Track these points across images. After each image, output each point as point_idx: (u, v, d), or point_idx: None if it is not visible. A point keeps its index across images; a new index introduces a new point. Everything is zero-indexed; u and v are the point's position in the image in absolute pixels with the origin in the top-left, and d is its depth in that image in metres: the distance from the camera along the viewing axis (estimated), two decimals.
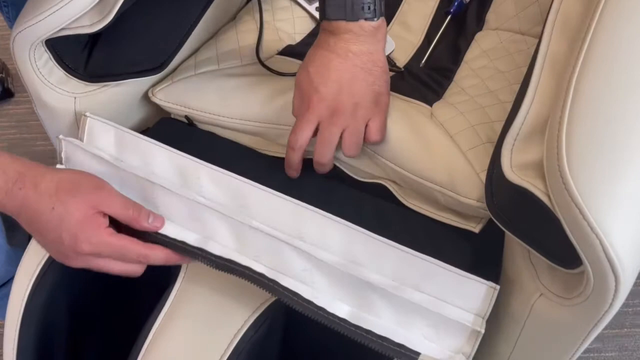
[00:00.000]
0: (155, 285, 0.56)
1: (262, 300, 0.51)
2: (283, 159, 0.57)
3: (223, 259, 0.49)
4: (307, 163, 0.56)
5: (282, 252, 0.48)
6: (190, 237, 0.51)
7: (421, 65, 0.66)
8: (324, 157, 0.54)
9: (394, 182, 0.58)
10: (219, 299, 0.51)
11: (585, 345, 0.45)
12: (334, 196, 0.55)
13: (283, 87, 0.59)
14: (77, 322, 0.61)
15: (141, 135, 0.57)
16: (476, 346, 0.43)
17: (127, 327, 0.55)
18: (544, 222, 0.40)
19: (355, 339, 0.44)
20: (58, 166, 0.57)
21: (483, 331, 0.42)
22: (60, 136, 0.56)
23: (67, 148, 0.56)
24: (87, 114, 0.59)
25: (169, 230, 0.51)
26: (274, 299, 0.51)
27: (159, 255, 0.51)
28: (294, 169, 0.55)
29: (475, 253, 0.50)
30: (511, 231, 0.45)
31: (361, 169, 0.58)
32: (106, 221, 0.49)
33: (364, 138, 0.53)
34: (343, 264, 0.47)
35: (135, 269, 0.51)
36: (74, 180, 0.50)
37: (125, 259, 0.51)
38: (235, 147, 0.60)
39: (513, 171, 0.41)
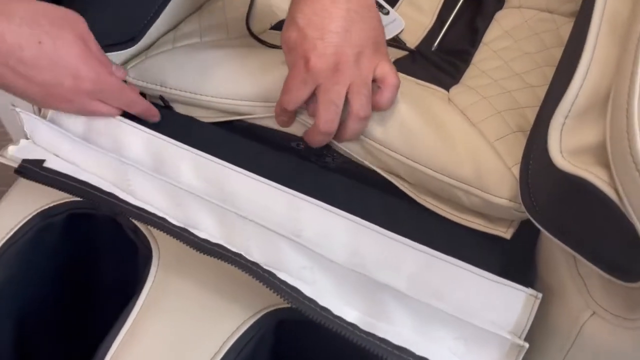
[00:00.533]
0: (118, 292, 0.48)
1: (245, 316, 0.42)
2: (274, 149, 0.50)
3: (210, 242, 0.42)
4: (300, 154, 0.49)
5: (277, 246, 0.41)
6: (174, 221, 0.44)
7: (433, 48, 0.58)
8: (329, 124, 0.46)
9: (403, 179, 0.49)
10: (191, 318, 0.44)
11: None
12: (333, 189, 0.47)
13: (277, 59, 0.50)
14: (26, 332, 0.52)
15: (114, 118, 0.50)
16: None
17: (85, 343, 0.46)
18: (603, 222, 0.33)
19: (368, 348, 0.37)
20: (23, 141, 0.50)
21: (527, 346, 0.35)
22: (17, 109, 0.49)
23: (28, 122, 0.50)
24: None
25: (151, 209, 0.45)
26: (261, 314, 0.42)
27: (142, 105, 0.51)
28: None
29: (506, 261, 0.42)
30: (554, 234, 0.37)
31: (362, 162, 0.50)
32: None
33: (377, 94, 0.46)
34: (350, 262, 0.39)
35: (116, 113, 0.50)
36: (54, 10, 0.44)
37: (116, 102, 0.49)
38: (219, 133, 0.52)
39: (564, 157, 0.33)
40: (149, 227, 0.48)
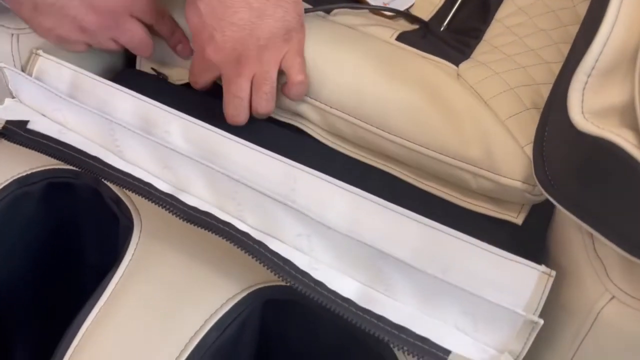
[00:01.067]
0: (99, 265, 0.46)
1: (229, 294, 0.39)
2: (271, 122, 0.48)
3: (198, 210, 0.39)
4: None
5: (271, 211, 0.38)
6: (161, 185, 0.42)
7: (442, 28, 0.55)
8: (235, 118, 0.45)
9: (403, 164, 0.46)
10: (173, 292, 0.40)
11: None
12: (333, 165, 0.43)
13: None
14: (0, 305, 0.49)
15: (102, 79, 0.47)
16: (529, 343, 0.33)
17: (64, 319, 0.43)
18: (629, 192, 0.29)
19: (363, 326, 0.34)
20: (7, 100, 0.48)
21: (542, 322, 0.32)
22: (1, 64, 0.47)
23: (13, 79, 0.47)
24: (39, 51, 0.50)
25: (138, 172, 0.43)
26: (246, 292, 0.38)
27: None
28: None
29: (517, 243, 0.40)
30: (572, 211, 0.34)
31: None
32: None
33: (284, 87, 0.45)
34: (349, 231, 0.36)
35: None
36: None
37: (148, 14, 0.48)
38: (214, 104, 0.49)
39: (586, 118, 0.30)
40: (131, 198, 0.45)
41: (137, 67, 0.55)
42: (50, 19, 0.44)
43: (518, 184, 0.42)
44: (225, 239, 0.38)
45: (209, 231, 0.39)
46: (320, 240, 0.37)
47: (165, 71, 0.54)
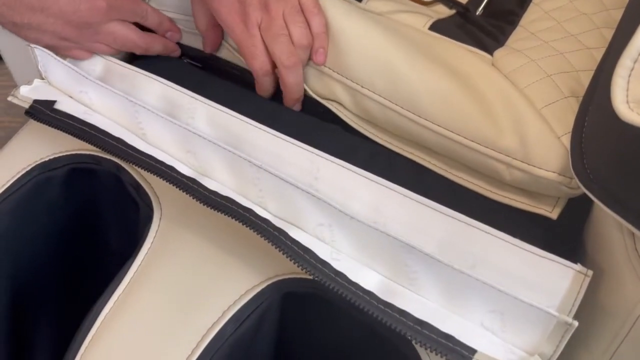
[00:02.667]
0: (119, 252, 0.46)
1: (248, 285, 0.38)
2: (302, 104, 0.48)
3: (219, 195, 0.39)
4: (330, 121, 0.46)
5: (293, 199, 0.37)
6: (183, 169, 0.42)
7: (478, 12, 0.53)
8: (291, 56, 0.45)
9: (430, 151, 0.44)
10: (191, 281, 0.40)
11: None
12: (356, 152, 0.42)
13: None
14: (21, 290, 0.50)
15: (131, 66, 0.48)
16: (562, 346, 0.31)
17: (84, 305, 0.43)
18: None
19: (384, 321, 0.33)
20: (36, 81, 0.49)
21: (576, 324, 0.30)
22: (32, 45, 0.47)
23: (43, 60, 0.48)
24: None
25: (160, 155, 0.43)
26: (265, 284, 0.38)
27: (158, 17, 0.50)
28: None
29: (551, 239, 0.38)
30: (612, 207, 0.32)
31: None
32: None
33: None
34: (375, 221, 0.35)
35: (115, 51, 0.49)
36: None
37: (131, 15, 0.49)
38: (236, 90, 0.48)
39: (631, 108, 0.28)
40: (151, 184, 0.45)
41: None
42: (32, 33, 0.46)
43: (554, 176, 0.40)
44: (245, 225, 0.38)
45: (228, 216, 0.38)
46: (342, 230, 0.36)
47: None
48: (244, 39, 0.45)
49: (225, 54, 0.52)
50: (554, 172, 0.40)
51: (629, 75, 0.29)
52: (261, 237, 0.37)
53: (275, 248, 0.36)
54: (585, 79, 0.42)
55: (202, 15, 0.49)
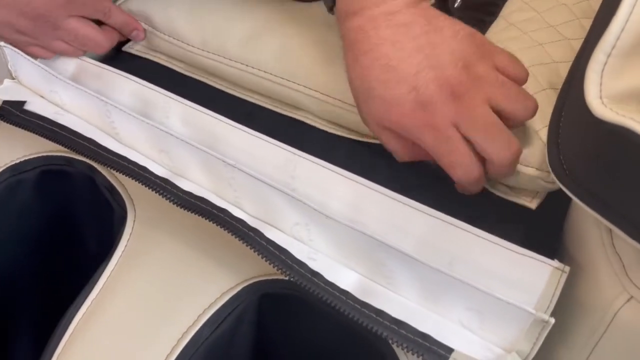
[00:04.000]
0: (94, 255, 0.45)
1: (223, 288, 0.38)
2: (271, 111, 0.47)
3: (193, 195, 0.39)
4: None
5: (269, 199, 0.37)
6: (156, 169, 0.42)
7: (456, 5, 0.52)
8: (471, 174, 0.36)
9: None
10: (166, 284, 0.40)
11: None
12: (336, 151, 0.42)
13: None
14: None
15: (104, 65, 0.48)
16: (539, 344, 0.31)
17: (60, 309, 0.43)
18: None
19: (360, 321, 0.33)
20: (7, 81, 0.49)
21: (553, 321, 0.31)
22: (1, 43, 0.47)
23: (13, 59, 0.48)
24: None
25: (133, 155, 0.43)
26: (241, 286, 0.37)
27: (121, 14, 0.49)
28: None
29: (530, 233, 0.38)
30: (589, 204, 0.32)
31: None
32: None
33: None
34: (350, 220, 0.35)
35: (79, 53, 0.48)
36: None
37: (92, 11, 0.47)
38: (211, 89, 0.48)
39: (604, 104, 0.27)
40: (125, 186, 0.44)
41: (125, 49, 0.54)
42: None
43: (532, 171, 0.40)
44: (218, 226, 0.37)
45: (202, 217, 0.38)
46: (319, 229, 0.36)
47: (155, 57, 0.53)
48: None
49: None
50: (532, 167, 0.39)
51: (602, 70, 0.29)
52: (235, 237, 0.37)
53: (250, 248, 0.36)
54: (564, 71, 0.41)
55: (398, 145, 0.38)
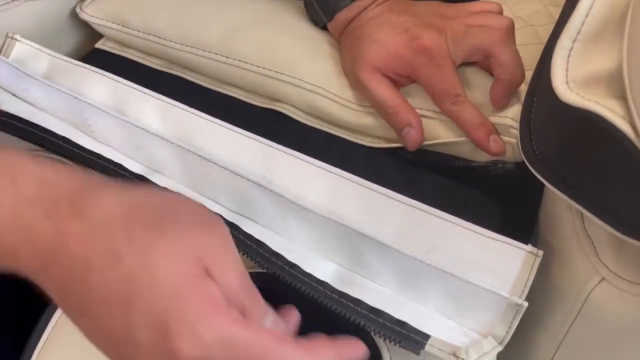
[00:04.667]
0: None
1: None
2: (248, 104, 0.47)
3: (170, 191, 0.39)
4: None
5: (246, 192, 0.37)
6: (133, 166, 0.41)
7: None
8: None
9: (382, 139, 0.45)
10: None
11: None
12: (311, 143, 0.42)
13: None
14: None
15: (78, 62, 0.47)
16: (513, 327, 0.32)
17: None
18: (616, 167, 0.28)
19: (339, 311, 0.33)
20: None
21: (526, 305, 0.31)
22: None
23: None
24: (16, 36, 0.50)
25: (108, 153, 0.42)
26: None
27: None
28: None
29: (505, 218, 0.39)
30: (560, 188, 0.32)
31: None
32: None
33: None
34: (328, 211, 0.36)
35: None
36: (162, 205, 0.28)
37: None
38: (185, 83, 0.48)
39: (570, 88, 0.28)
40: None
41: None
42: None
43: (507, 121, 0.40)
44: None
45: None
46: (297, 222, 0.37)
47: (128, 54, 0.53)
48: None
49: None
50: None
51: (568, 56, 0.30)
52: None
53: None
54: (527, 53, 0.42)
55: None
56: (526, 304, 0.31)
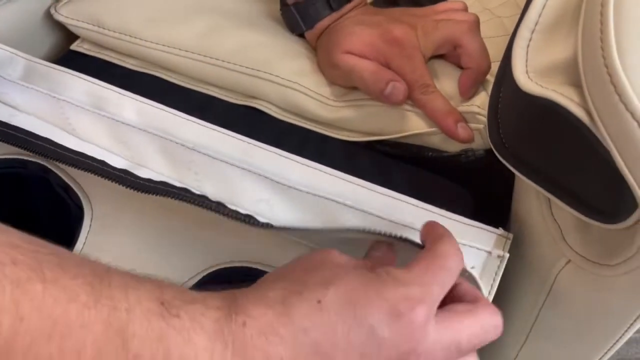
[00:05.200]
0: None
1: (183, 279, 0.39)
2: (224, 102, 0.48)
3: (153, 181, 0.39)
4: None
5: (229, 177, 0.38)
6: (117, 162, 0.42)
7: None
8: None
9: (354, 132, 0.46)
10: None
11: (632, 332, 0.32)
12: (288, 139, 0.43)
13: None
14: None
15: (55, 65, 0.47)
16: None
17: None
18: (575, 152, 0.29)
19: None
20: None
21: (507, 255, 0.33)
22: None
23: None
24: None
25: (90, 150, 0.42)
26: (200, 275, 0.38)
27: None
28: None
29: (477, 205, 0.41)
30: (525, 174, 0.34)
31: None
32: None
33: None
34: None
35: None
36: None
37: None
38: (163, 83, 0.48)
39: (530, 78, 0.29)
40: (80, 184, 0.44)
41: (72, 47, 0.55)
42: None
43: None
44: (182, 201, 0.37)
45: (164, 196, 0.38)
46: (282, 205, 0.38)
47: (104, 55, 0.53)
48: None
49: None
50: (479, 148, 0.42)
51: (527, 46, 0.31)
52: (201, 207, 0.36)
53: (220, 215, 0.36)
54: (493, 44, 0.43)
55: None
56: (507, 255, 0.33)
